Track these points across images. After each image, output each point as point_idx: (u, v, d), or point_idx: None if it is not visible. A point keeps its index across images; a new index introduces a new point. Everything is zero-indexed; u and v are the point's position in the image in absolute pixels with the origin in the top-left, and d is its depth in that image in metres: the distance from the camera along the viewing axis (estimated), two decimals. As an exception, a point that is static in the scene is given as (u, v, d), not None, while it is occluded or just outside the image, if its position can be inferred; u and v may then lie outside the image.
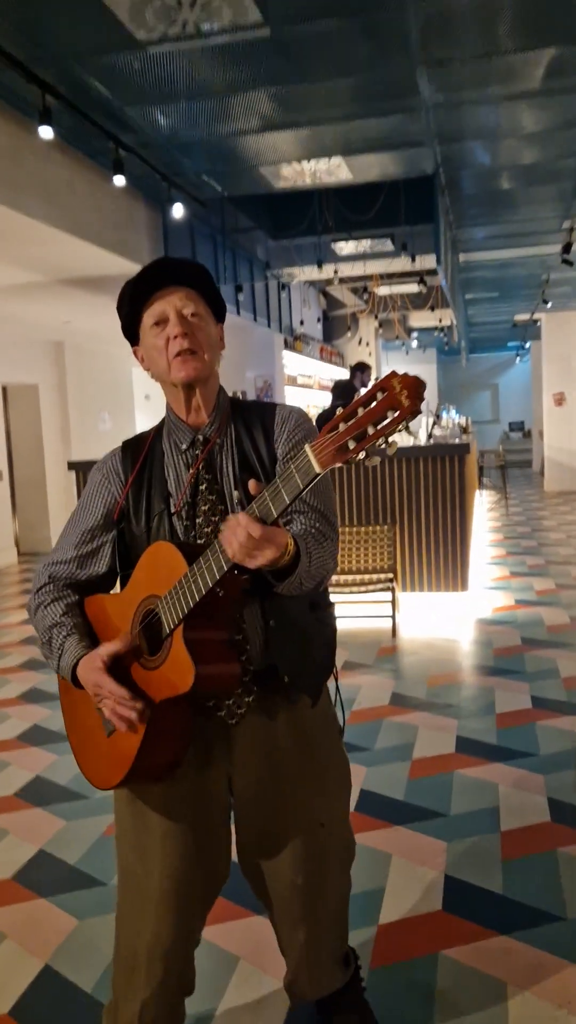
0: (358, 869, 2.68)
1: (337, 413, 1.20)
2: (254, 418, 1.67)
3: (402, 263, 8.32)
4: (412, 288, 10.98)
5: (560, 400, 14.45)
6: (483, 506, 12.58)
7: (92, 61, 4.29)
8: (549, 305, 12.50)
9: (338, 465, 1.19)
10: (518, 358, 21.75)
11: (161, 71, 4.44)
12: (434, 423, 8.13)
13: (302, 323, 11.37)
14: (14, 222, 5.05)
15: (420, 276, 9.41)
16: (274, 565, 1.35)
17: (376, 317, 12.56)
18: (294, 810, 1.67)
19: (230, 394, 1.75)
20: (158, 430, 1.72)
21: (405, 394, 1.14)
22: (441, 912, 2.49)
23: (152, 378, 1.66)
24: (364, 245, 8.17)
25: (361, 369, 8.31)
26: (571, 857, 2.74)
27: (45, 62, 4.23)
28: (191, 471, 1.62)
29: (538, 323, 14.82)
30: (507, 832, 2.93)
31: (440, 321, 13.78)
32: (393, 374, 1.16)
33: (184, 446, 1.65)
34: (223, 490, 1.62)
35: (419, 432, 8.55)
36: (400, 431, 1.17)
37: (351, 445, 1.18)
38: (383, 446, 1.18)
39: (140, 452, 1.69)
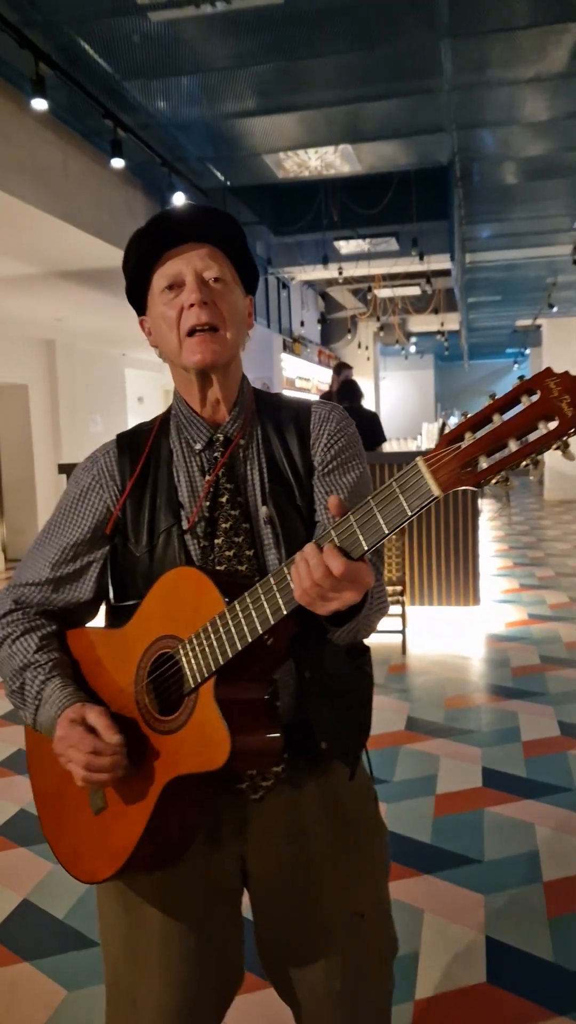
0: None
1: (446, 427, 0.89)
2: (285, 416, 1.33)
3: (407, 263, 8.03)
4: (414, 290, 10.70)
5: (561, 407, 14.19)
6: (485, 515, 12.29)
7: (89, 26, 3.98)
8: (555, 310, 12.24)
9: (463, 489, 0.92)
10: (516, 365, 21.53)
11: (162, 41, 4.12)
12: (442, 429, 7.82)
13: (302, 324, 11.08)
14: (1, 204, 4.70)
15: (427, 277, 9.11)
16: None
17: (378, 319, 12.27)
18: (327, 901, 1.30)
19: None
20: (162, 423, 1.36)
21: (567, 400, 0.86)
22: (485, 985, 2.15)
23: (160, 357, 1.32)
24: (367, 244, 7.88)
25: (346, 367, 7.98)
26: (627, 915, 2.41)
27: (39, 26, 3.91)
28: (209, 478, 1.28)
29: (540, 328, 14.57)
30: (551, 883, 2.60)
31: (442, 325, 13.51)
32: (548, 372, 0.88)
33: (199, 446, 1.30)
34: (247, 504, 1.28)
35: (420, 435, 8.26)
36: (557, 449, 0.88)
37: (483, 464, 0.91)
38: (527, 465, 0.90)
39: (141, 451, 1.32)
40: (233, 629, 1.07)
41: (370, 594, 1.10)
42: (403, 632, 5.24)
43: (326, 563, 0.97)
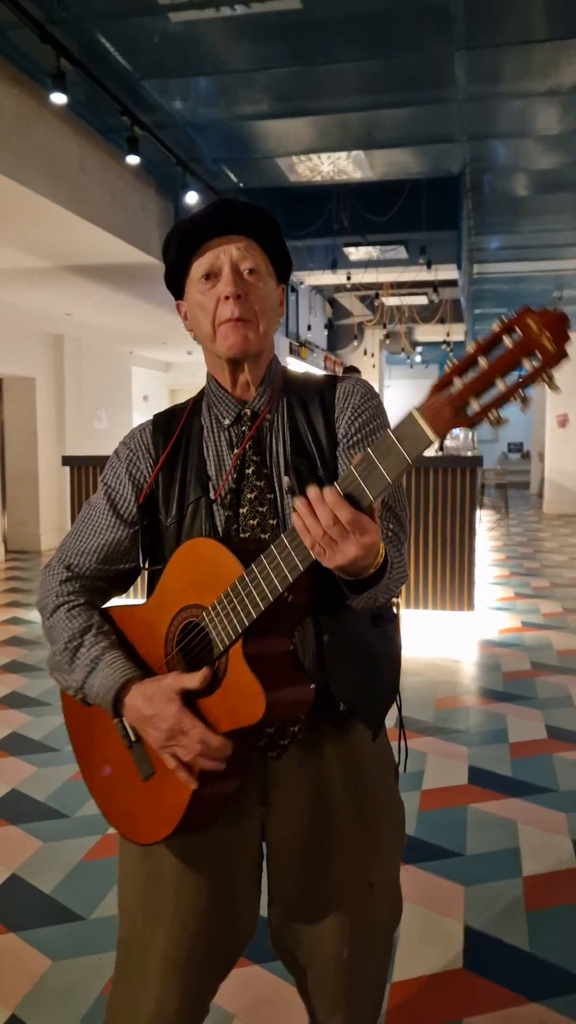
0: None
1: (448, 364, 0.94)
2: (311, 392, 1.39)
3: (415, 271, 8.09)
4: (421, 300, 10.76)
5: (564, 422, 14.24)
6: (483, 525, 12.33)
7: (111, 25, 4.04)
8: (560, 324, 12.29)
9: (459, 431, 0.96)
10: (519, 378, 21.59)
11: (182, 41, 4.19)
12: (443, 439, 7.89)
13: (309, 329, 11.13)
14: (17, 196, 4.76)
15: (434, 286, 9.17)
16: (357, 570, 1.07)
17: (384, 326, 12.33)
18: (343, 866, 1.34)
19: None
20: (196, 402, 1.43)
21: (547, 335, 0.89)
22: (463, 971, 2.20)
23: (194, 339, 1.39)
24: (375, 251, 7.93)
25: (353, 371, 8.07)
26: (605, 910, 2.46)
27: (61, 22, 3.97)
28: (236, 451, 1.34)
29: (545, 343, 14.62)
30: (530, 877, 2.65)
31: (448, 335, 13.57)
32: (526, 310, 0.91)
33: (227, 421, 1.37)
34: (272, 475, 1.33)
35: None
36: (543, 383, 0.92)
37: (475, 406, 0.94)
38: (517, 402, 0.94)
39: (174, 427, 1.40)
40: (254, 591, 1.11)
41: (389, 563, 1.14)
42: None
43: (332, 507, 1.01)
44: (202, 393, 1.44)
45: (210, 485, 1.34)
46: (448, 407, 0.95)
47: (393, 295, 10.71)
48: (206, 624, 1.18)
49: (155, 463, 1.38)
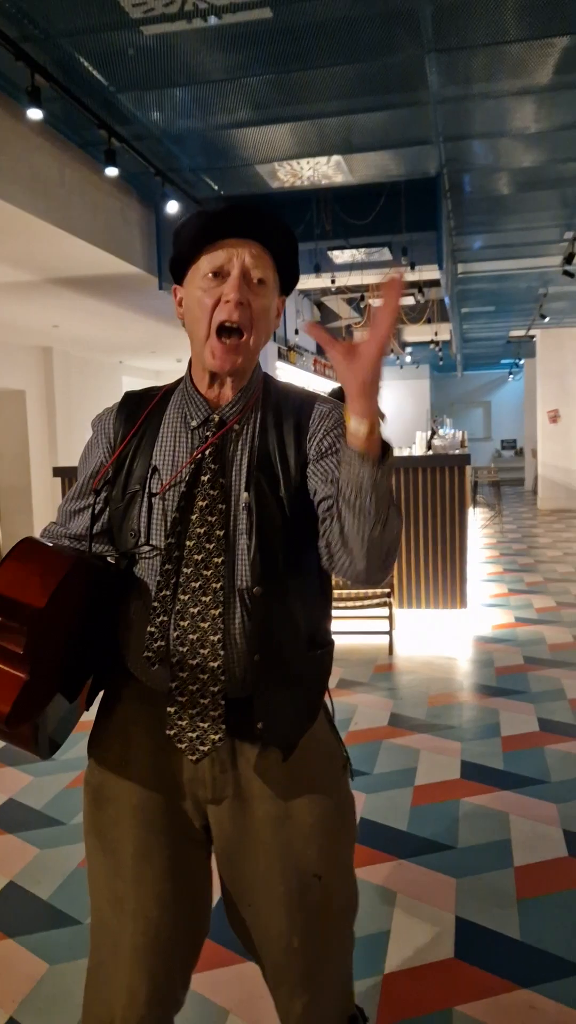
0: (362, 908, 2.43)
1: (436, 435, 1.02)
2: (288, 408, 1.40)
3: (399, 273, 8.13)
4: (408, 300, 10.80)
5: (555, 417, 14.31)
6: (477, 523, 12.38)
7: (84, 40, 4.09)
8: (547, 320, 12.36)
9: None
10: (511, 376, 21.66)
11: (156, 54, 4.24)
12: (432, 434, 7.92)
13: (297, 333, 11.19)
14: None
15: (419, 287, 9.22)
16: (372, 425, 1.17)
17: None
18: (282, 861, 1.37)
19: None
20: (168, 391, 1.44)
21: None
22: (453, 960, 2.23)
23: (182, 325, 1.40)
24: (360, 254, 7.97)
25: None
26: (594, 897, 2.49)
27: (36, 39, 4.02)
28: (194, 454, 1.34)
29: (533, 339, 14.69)
30: (521, 868, 2.68)
31: (436, 335, 13.62)
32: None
33: (194, 423, 1.37)
34: (229, 486, 1.33)
35: (415, 443, 8.36)
36: None
37: None
38: None
39: (140, 414, 1.42)
40: None
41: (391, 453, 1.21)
42: (390, 633, 5.32)
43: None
44: (177, 383, 1.45)
45: (155, 479, 1.35)
46: None
47: (380, 296, 10.76)
48: None
49: (114, 449, 1.41)
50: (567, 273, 8.17)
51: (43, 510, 10.50)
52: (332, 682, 1.50)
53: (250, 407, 1.39)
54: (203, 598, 1.30)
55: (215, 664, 1.30)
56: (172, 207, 5.83)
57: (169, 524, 1.33)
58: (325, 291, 11.24)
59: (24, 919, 2.50)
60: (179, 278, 1.38)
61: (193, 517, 1.32)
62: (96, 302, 7.79)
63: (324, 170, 6.17)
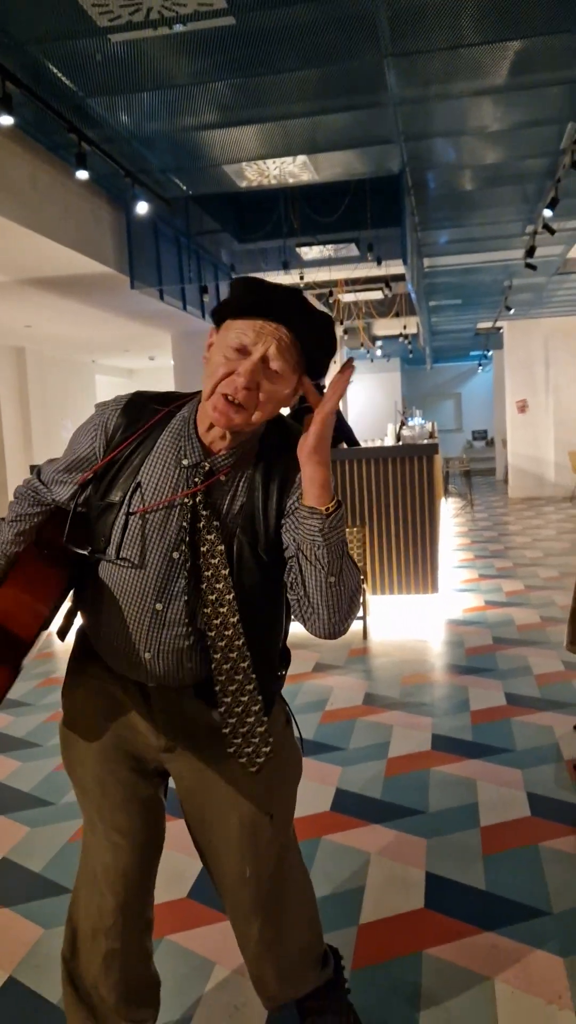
0: (337, 869, 2.60)
1: (404, 425, 1.17)
2: (277, 467, 1.46)
3: (367, 268, 8.30)
4: (377, 295, 10.98)
5: (523, 407, 14.56)
6: (449, 512, 12.60)
7: (53, 47, 4.20)
8: (512, 312, 12.59)
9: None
10: (480, 367, 21.93)
11: (123, 60, 4.36)
12: (402, 425, 8.10)
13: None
14: (-27, 216, 4.92)
15: (385, 281, 9.40)
16: (321, 482, 1.31)
17: (341, 323, 12.54)
18: (236, 799, 1.59)
19: None
20: (171, 413, 1.50)
21: None
22: (424, 910, 2.40)
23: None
24: (328, 250, 8.14)
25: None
26: (554, 851, 2.67)
27: (5, 47, 4.12)
28: (183, 492, 1.43)
29: (500, 331, 14.93)
30: (487, 827, 2.86)
31: (404, 328, 13.81)
32: None
33: (186, 462, 1.44)
34: (222, 528, 1.44)
35: (386, 435, 8.53)
36: None
37: None
38: None
39: (139, 424, 1.48)
40: None
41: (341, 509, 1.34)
42: (364, 619, 5.49)
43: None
44: (182, 406, 1.51)
45: (136, 497, 1.44)
46: None
47: (348, 291, 10.92)
48: None
49: (106, 451, 1.48)
50: (529, 266, 8.37)
51: (20, 509, 10.56)
52: (308, 666, 1.75)
53: (243, 462, 1.46)
54: (221, 629, 1.47)
55: (250, 686, 1.50)
56: (142, 207, 5.95)
57: (171, 560, 1.45)
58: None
59: (18, 890, 2.64)
60: (218, 322, 1.44)
61: (200, 560, 1.43)
62: (69, 302, 7.89)
63: (291, 169, 6.32)
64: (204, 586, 1.43)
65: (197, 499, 1.43)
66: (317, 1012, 1.82)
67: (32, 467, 7.01)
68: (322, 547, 1.33)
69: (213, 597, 1.44)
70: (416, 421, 9.51)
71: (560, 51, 4.57)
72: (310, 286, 10.31)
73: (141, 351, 12.52)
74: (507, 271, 10.12)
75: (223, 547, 1.43)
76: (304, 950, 1.77)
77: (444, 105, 5.23)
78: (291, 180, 6.58)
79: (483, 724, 3.81)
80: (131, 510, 1.44)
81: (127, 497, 1.44)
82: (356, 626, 5.54)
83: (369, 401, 18.74)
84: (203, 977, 2.15)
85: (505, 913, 2.35)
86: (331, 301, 10.92)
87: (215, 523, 1.43)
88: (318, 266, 8.51)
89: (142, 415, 1.49)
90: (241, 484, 1.46)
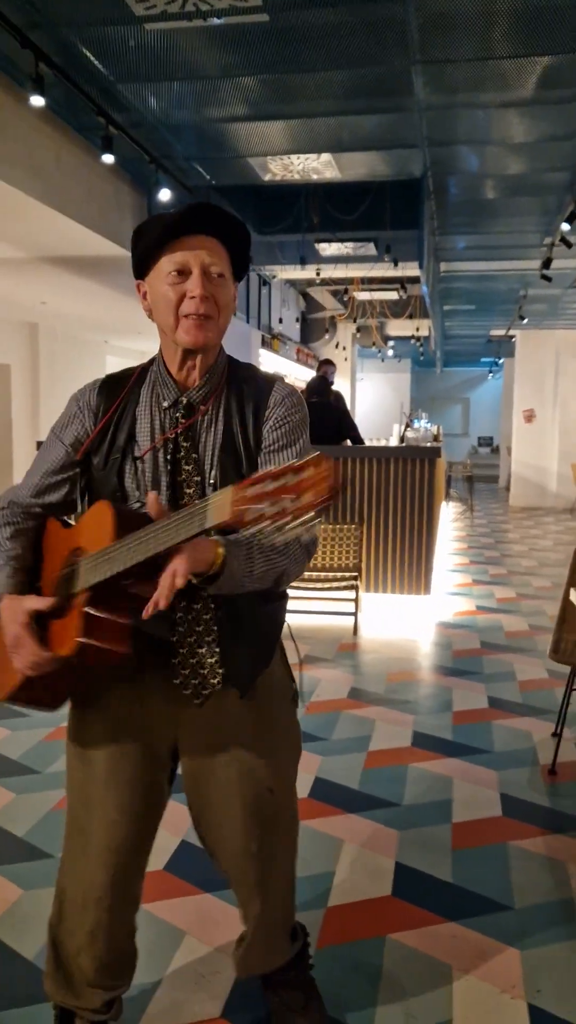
0: (310, 853, 2.69)
1: (409, 428, 1.16)
2: (249, 393, 1.57)
3: (384, 268, 8.35)
4: (392, 295, 11.03)
5: (530, 417, 14.62)
6: (449, 516, 12.67)
7: (88, 32, 4.25)
8: (525, 321, 12.64)
9: (240, 522, 1.09)
10: (491, 375, 21.97)
11: (156, 49, 4.41)
12: (407, 427, 8.16)
13: (280, 321, 11.37)
14: (-2, 192, 4.98)
15: (401, 282, 9.45)
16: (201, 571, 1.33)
17: (355, 321, 12.60)
18: (243, 776, 1.64)
19: None
20: (142, 372, 1.61)
21: (322, 485, 1.05)
22: (390, 897, 2.48)
23: (150, 319, 1.57)
24: (347, 248, 8.18)
25: (327, 363, 8.32)
26: (521, 850, 2.75)
27: (41, 28, 4.18)
28: (167, 433, 1.52)
29: (513, 339, 14.98)
30: (459, 824, 2.94)
31: (417, 331, 13.86)
32: (318, 458, 1.08)
33: (166, 404, 1.54)
34: (201, 461, 1.53)
35: (391, 436, 8.59)
36: (298, 524, 1.07)
37: (267, 511, 1.07)
38: (274, 529, 1.09)
39: (118, 393, 1.58)
40: (108, 560, 1.34)
41: (249, 560, 1.38)
42: (355, 615, 5.57)
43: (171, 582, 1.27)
44: (151, 362, 1.61)
45: (135, 446, 1.53)
46: (255, 498, 1.08)
47: (364, 290, 10.98)
48: (78, 567, 1.43)
49: (95, 423, 1.56)
50: (545, 277, 8.43)
51: (23, 484, 10.64)
52: (296, 658, 1.78)
53: (217, 391, 1.55)
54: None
55: (208, 616, 1.54)
56: (165, 194, 6.01)
57: (160, 486, 1.51)
58: (310, 282, 11.44)
59: (1, 853, 2.72)
60: (141, 274, 1.53)
61: (178, 491, 1.52)
62: (85, 282, 7.94)
63: (314, 166, 6.37)
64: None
65: (179, 434, 1.52)
66: (282, 985, 1.90)
67: (39, 444, 7.08)
68: (232, 588, 1.40)
69: None
70: (421, 423, 9.56)
71: (587, 68, 4.62)
72: (326, 282, 10.37)
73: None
74: (522, 281, 10.18)
75: (199, 478, 1.51)
76: (285, 923, 1.85)
77: (469, 114, 5.28)
78: (314, 176, 6.63)
79: (464, 725, 3.89)
80: (133, 457, 1.52)
81: (127, 448, 1.53)
82: (347, 621, 5.61)
83: (377, 400, 18.78)
84: (173, 946, 2.23)
85: (469, 906, 2.43)
86: (346, 298, 10.98)
87: (193, 455, 1.51)
88: (335, 263, 8.55)
89: (118, 384, 1.60)
90: (218, 414, 1.54)
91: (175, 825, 2.60)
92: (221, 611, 1.54)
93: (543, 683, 4.54)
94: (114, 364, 13.99)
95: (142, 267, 1.52)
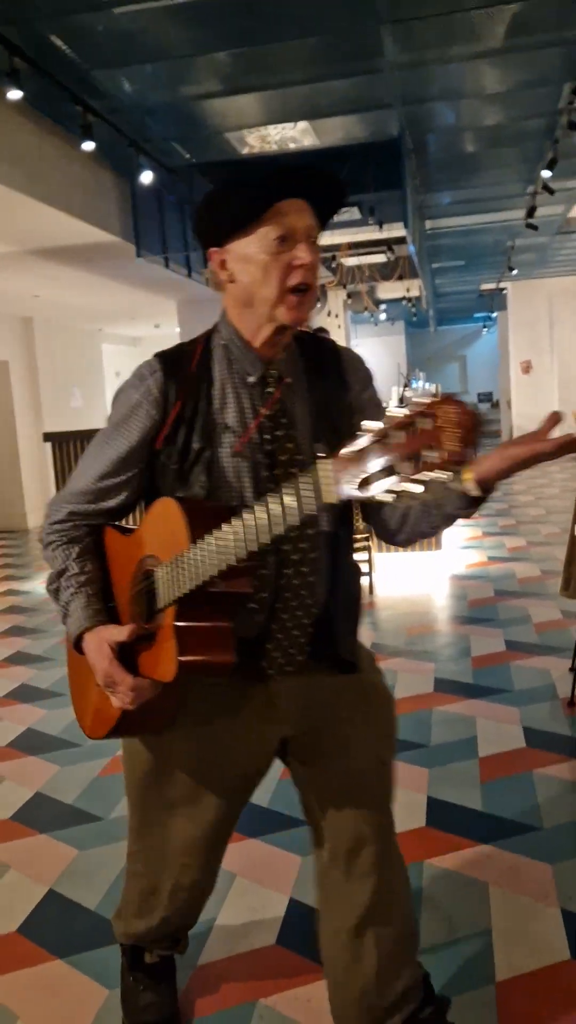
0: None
1: (407, 388, 1.15)
2: (320, 359, 1.46)
3: (369, 231, 8.37)
4: (380, 258, 11.03)
5: (527, 368, 14.64)
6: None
7: (58, 21, 4.31)
8: (515, 272, 12.63)
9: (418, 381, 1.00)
10: (485, 329, 21.91)
11: (126, 32, 4.46)
12: (405, 387, 8.23)
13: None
14: (-17, 188, 5.05)
15: (388, 244, 9.46)
16: (487, 492, 1.28)
17: (345, 287, 12.60)
18: (360, 750, 1.53)
19: None
20: (205, 348, 1.42)
21: (455, 433, 0.91)
22: (425, 828, 2.62)
23: (218, 288, 1.39)
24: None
25: (321, 332, 8.38)
26: (546, 776, 2.88)
27: (11, 22, 4.24)
28: (263, 410, 1.38)
29: (504, 292, 14.96)
30: (485, 758, 3.07)
31: (408, 291, 13.83)
32: (448, 399, 0.93)
33: (252, 379, 1.39)
34: (298, 438, 1.40)
35: (390, 399, 8.65)
36: (445, 472, 0.91)
37: (371, 482, 0.96)
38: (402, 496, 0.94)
39: (186, 372, 1.39)
40: (191, 566, 1.19)
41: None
42: (370, 575, 5.69)
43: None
44: (209, 336, 1.44)
45: (225, 438, 1.37)
46: (344, 472, 0.98)
47: (351, 255, 10.98)
48: (156, 579, 1.29)
49: (168, 410, 1.38)
50: (530, 226, 8.44)
51: (33, 478, 10.75)
52: None
53: (292, 360, 1.43)
54: (301, 544, 1.39)
55: (311, 602, 1.42)
56: (146, 177, 6.07)
57: (257, 479, 1.37)
58: (298, 252, 11.41)
59: (54, 819, 2.87)
60: (220, 239, 1.34)
61: (277, 472, 1.36)
62: (75, 271, 8.01)
63: (292, 135, 6.40)
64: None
65: (275, 408, 1.39)
66: None
67: (45, 435, 7.18)
68: (445, 522, 1.38)
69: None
70: (419, 383, 9.62)
71: (555, 13, 4.64)
72: (313, 251, 10.36)
73: (147, 319, 12.62)
74: (509, 231, 10.17)
75: (301, 456, 1.38)
76: (404, 936, 1.60)
77: (442, 69, 5.30)
78: (292, 146, 6.66)
79: (483, 668, 4.02)
80: (227, 451, 1.37)
81: (214, 438, 1.37)
82: (362, 582, 5.73)
83: (373, 365, 18.43)
84: (226, 888, 2.37)
85: (500, 829, 2.57)
86: (334, 265, 10.98)
87: (292, 432, 1.39)
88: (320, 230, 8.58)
89: (181, 364, 1.41)
90: (299, 381, 1.43)
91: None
92: (336, 589, 1.45)
93: (558, 623, 4.66)
94: (109, 351, 14.05)
95: (223, 232, 1.33)
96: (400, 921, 1.58)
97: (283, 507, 1.09)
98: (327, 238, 8.93)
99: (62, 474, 7.08)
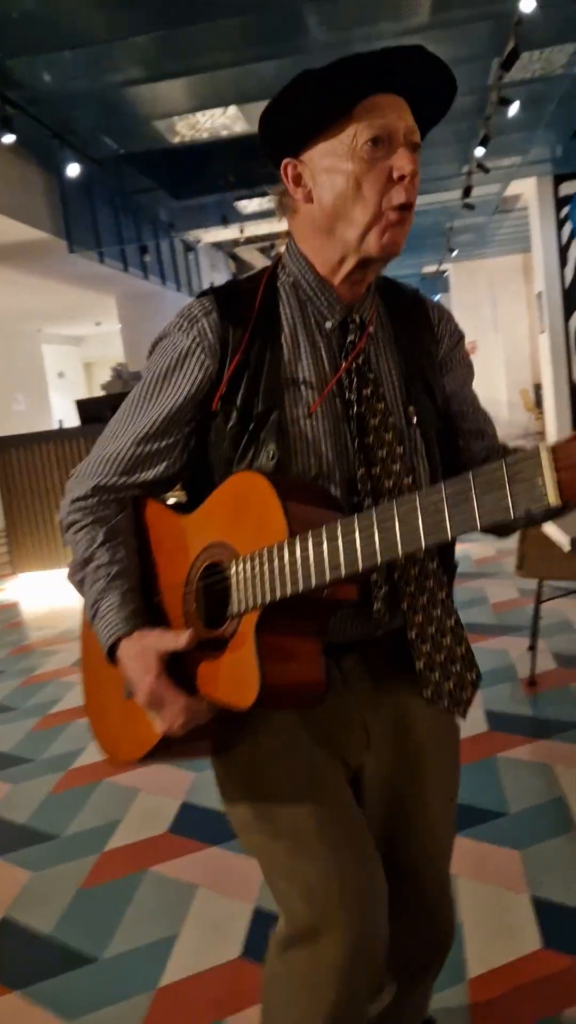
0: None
1: None
2: (406, 305, 1.21)
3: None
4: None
5: (472, 349, 14.71)
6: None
7: (-33, 9, 4.13)
8: (455, 253, 12.65)
9: None
10: (430, 312, 22.01)
11: (41, 17, 4.30)
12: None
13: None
14: None
15: (326, 229, 9.40)
16: None
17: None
18: (441, 786, 1.30)
19: None
20: (269, 286, 1.15)
21: None
22: (488, 732, 2.83)
23: (286, 213, 1.16)
24: (269, 202, 8.10)
25: None
26: (510, 760, 2.83)
27: None
28: (344, 364, 1.12)
29: (446, 274, 15.01)
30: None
31: (350, 277, 13.81)
32: None
33: (330, 324, 1.14)
34: (387, 397, 1.14)
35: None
36: None
37: None
38: None
39: (248, 315, 1.12)
40: (288, 569, 0.93)
41: None
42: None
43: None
44: (275, 271, 1.18)
45: (299, 394, 1.11)
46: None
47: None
48: (230, 575, 1.01)
49: (228, 360, 1.11)
50: (467, 206, 8.43)
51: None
52: None
53: (374, 305, 1.18)
54: None
55: (442, 594, 1.16)
56: (73, 169, 5.90)
57: (343, 449, 1.11)
58: (236, 242, 11.32)
59: (7, 841, 2.75)
60: (294, 147, 1.10)
61: (369, 439, 1.11)
62: (7, 271, 7.79)
63: (223, 121, 6.28)
64: (378, 470, 1.10)
65: (360, 360, 1.13)
66: None
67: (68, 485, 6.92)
68: (527, 521, 1.19)
69: (390, 483, 1.10)
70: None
71: (479, -14, 4.60)
72: (252, 240, 10.27)
73: (87, 317, 12.40)
74: (448, 213, 10.16)
75: (394, 420, 1.13)
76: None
77: (368, 47, 5.20)
78: (224, 133, 6.54)
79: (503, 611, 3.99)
80: (302, 412, 1.10)
81: (283, 396, 1.10)
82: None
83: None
84: (188, 900, 2.28)
85: (466, 818, 2.51)
86: (274, 254, 10.89)
87: (381, 390, 1.13)
88: (258, 219, 8.48)
89: (242, 304, 1.13)
90: (384, 329, 1.18)
91: (174, 789, 2.65)
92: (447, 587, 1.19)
93: (515, 602, 4.64)
94: (51, 352, 13.79)
95: (301, 135, 1.09)
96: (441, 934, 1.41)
97: (476, 506, 0.77)
98: (266, 227, 8.84)
99: (5, 484, 6.87)
